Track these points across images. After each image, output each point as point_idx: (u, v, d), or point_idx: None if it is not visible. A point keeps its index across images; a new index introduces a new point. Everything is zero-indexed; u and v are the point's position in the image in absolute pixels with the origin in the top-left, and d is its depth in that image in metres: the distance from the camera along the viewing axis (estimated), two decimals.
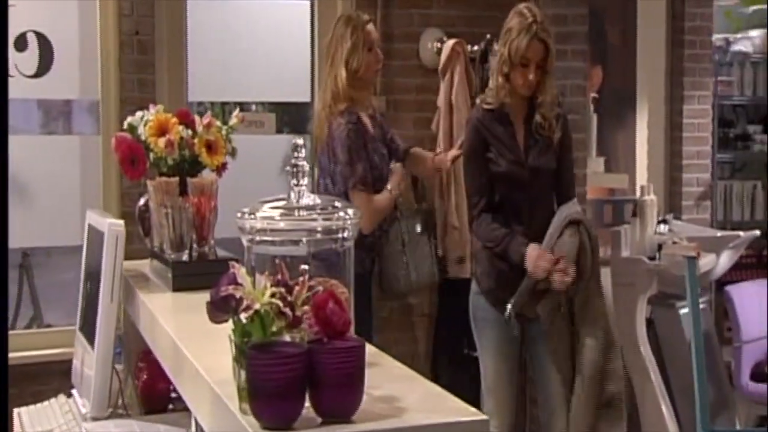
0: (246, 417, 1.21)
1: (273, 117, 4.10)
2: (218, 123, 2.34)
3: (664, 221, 4.19)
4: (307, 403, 1.19)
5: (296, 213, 1.41)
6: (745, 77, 5.71)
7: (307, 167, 1.44)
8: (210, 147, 2.33)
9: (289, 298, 1.24)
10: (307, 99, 4.09)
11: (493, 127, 3.25)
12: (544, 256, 3.13)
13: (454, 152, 3.63)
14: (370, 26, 3.50)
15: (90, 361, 2.16)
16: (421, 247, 3.91)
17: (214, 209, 2.26)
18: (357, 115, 3.42)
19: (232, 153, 2.39)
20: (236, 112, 2.43)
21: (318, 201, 1.44)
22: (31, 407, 2.41)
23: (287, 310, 1.23)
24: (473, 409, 1.28)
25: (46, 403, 2.42)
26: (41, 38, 3.83)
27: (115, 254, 2.07)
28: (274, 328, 1.23)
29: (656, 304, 4.17)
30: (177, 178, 2.25)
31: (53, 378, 3.48)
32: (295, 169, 1.43)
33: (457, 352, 4.05)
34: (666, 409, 4.00)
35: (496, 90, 3.24)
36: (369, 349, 1.29)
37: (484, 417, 1.24)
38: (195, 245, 2.22)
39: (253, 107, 4.44)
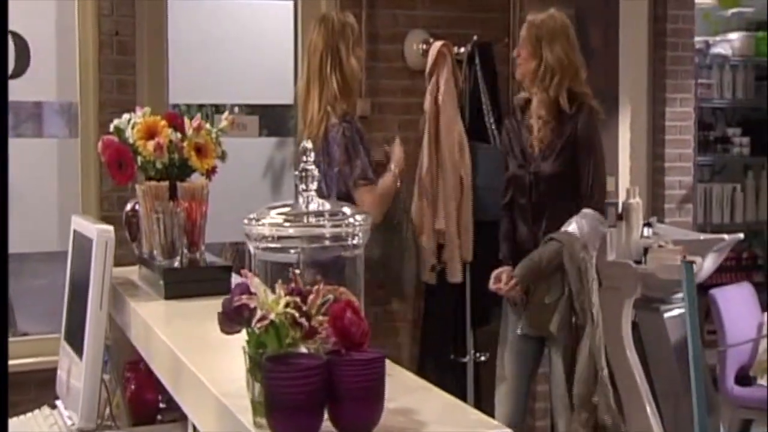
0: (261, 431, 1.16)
1: (256, 120, 4.04)
2: (208, 126, 2.29)
3: (648, 224, 4.18)
4: (325, 417, 1.14)
5: (305, 219, 1.36)
6: (725, 80, 5.72)
7: (316, 172, 1.38)
8: (200, 150, 2.28)
9: (304, 308, 1.19)
10: (289, 101, 4.01)
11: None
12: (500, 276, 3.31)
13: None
14: (353, 22, 3.46)
15: (78, 372, 2.09)
16: (407, 250, 3.87)
17: (204, 214, 2.21)
18: (352, 116, 3.40)
19: (222, 156, 2.34)
20: (226, 114, 2.38)
21: (327, 206, 1.40)
22: (14, 419, 2.34)
23: (303, 320, 1.18)
24: (495, 422, 1.24)
25: (29, 414, 2.34)
26: (17, 38, 3.74)
27: (104, 261, 2.00)
28: (289, 339, 1.17)
29: (640, 308, 4.15)
30: (167, 183, 2.19)
31: (29, 388, 3.40)
32: (304, 174, 1.38)
33: (444, 357, 4.00)
34: (651, 413, 3.98)
35: None
36: None
37: (507, 430, 1.20)
38: (186, 251, 2.16)
39: (236, 110, 4.36)
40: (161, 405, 2.30)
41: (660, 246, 3.94)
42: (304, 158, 1.38)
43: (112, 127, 2.28)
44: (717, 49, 5.68)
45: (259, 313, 1.17)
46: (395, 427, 1.17)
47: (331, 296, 1.24)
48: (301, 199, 1.38)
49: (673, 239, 4.08)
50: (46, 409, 2.34)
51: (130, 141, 2.24)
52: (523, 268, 3.27)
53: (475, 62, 3.99)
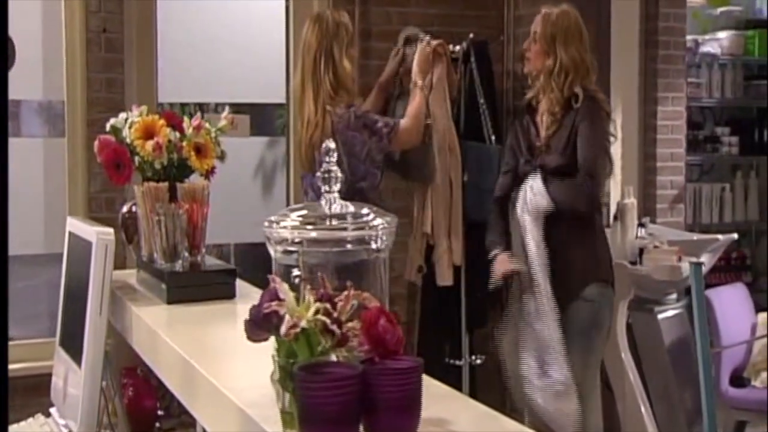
0: None
1: (248, 119, 3.97)
2: (207, 125, 2.23)
3: (641, 224, 4.14)
4: (360, 428, 1.09)
5: (328, 222, 1.30)
6: (714, 79, 5.70)
7: (339, 173, 1.32)
8: (199, 150, 2.22)
9: (334, 314, 1.13)
10: (281, 100, 3.94)
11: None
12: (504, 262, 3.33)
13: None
14: (347, 22, 3.41)
15: (76, 379, 2.02)
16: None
17: (206, 216, 2.16)
18: (354, 106, 3.40)
19: (221, 156, 2.29)
20: (225, 113, 2.32)
21: (351, 208, 1.34)
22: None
23: (334, 327, 1.12)
24: (529, 430, 1.19)
25: (23, 423, 2.28)
26: None
27: (104, 265, 1.94)
28: (321, 347, 1.11)
29: (634, 309, 4.12)
30: (167, 184, 2.13)
31: (15, 394, 3.30)
32: (327, 175, 1.32)
33: (440, 360, 3.95)
34: (646, 414, 3.96)
35: None
36: None
37: None
38: (187, 254, 2.10)
39: (226, 108, 4.28)
40: (159, 412, 2.25)
41: (655, 247, 3.91)
42: (327, 159, 1.32)
43: (108, 127, 2.22)
44: (706, 48, 5.66)
45: (288, 320, 1.11)
46: None
47: (355, 302, 1.18)
48: (323, 201, 1.32)
49: (668, 240, 4.06)
50: (40, 417, 2.27)
51: (128, 141, 2.18)
52: None
53: (471, 60, 3.93)
